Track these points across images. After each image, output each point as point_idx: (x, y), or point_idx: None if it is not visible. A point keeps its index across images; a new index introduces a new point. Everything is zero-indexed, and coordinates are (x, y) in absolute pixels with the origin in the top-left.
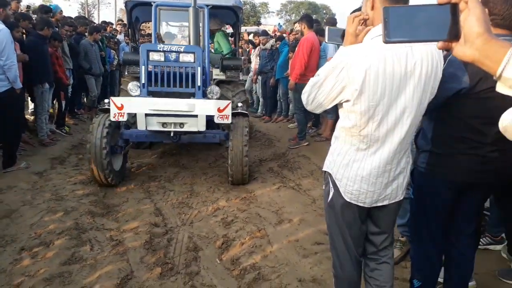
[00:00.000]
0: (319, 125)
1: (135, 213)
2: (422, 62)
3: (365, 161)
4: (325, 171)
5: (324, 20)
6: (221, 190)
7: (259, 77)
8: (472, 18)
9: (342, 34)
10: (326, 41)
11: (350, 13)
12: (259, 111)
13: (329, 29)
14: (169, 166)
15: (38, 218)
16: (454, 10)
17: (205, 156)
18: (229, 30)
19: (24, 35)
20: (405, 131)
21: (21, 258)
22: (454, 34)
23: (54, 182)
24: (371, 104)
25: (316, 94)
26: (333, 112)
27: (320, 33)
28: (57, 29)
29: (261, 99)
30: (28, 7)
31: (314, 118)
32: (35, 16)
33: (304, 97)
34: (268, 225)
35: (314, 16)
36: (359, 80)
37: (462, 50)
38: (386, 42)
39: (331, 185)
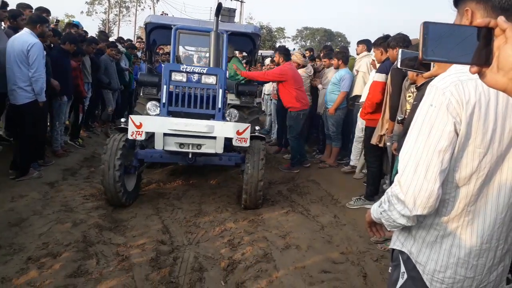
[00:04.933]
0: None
1: (143, 229)
2: None
3: (461, 235)
4: (394, 249)
5: (337, 49)
6: (229, 211)
7: (274, 102)
8: (509, 47)
9: (420, 61)
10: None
11: (374, 43)
12: (273, 136)
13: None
14: (179, 184)
15: (47, 229)
16: (489, 35)
17: (215, 175)
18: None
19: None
20: None
21: (27, 267)
22: (485, 59)
23: (65, 193)
24: (478, 152)
25: (420, 161)
26: (338, 140)
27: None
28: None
29: (276, 125)
30: (57, 21)
31: (322, 144)
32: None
33: (402, 185)
34: (275, 250)
35: (329, 43)
36: (466, 118)
37: (495, 78)
38: (422, 60)
39: (402, 269)
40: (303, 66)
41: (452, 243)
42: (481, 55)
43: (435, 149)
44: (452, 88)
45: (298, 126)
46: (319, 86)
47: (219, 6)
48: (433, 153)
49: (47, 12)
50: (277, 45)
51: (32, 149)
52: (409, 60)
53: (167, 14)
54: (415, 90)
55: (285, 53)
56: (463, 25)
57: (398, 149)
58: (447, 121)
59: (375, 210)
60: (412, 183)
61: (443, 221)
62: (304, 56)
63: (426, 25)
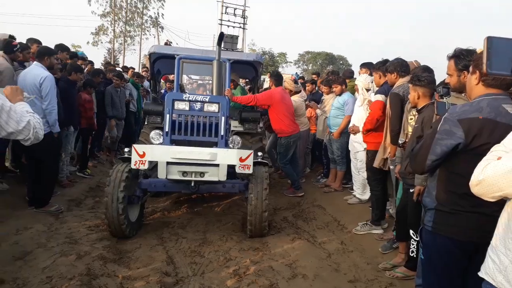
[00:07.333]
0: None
1: (147, 260)
2: None
3: None
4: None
5: (325, 75)
6: (234, 240)
7: None
8: None
9: None
10: None
11: (373, 67)
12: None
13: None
14: (183, 212)
15: (50, 262)
16: None
17: (219, 202)
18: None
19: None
20: None
21: None
22: None
23: (70, 225)
24: None
25: None
26: (343, 164)
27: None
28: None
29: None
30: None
31: (326, 168)
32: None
33: None
34: (281, 280)
35: (330, 67)
36: None
37: None
38: (488, 73)
39: None
40: (296, 92)
41: None
42: None
43: None
44: None
45: (287, 153)
46: (318, 111)
47: (221, 35)
48: None
49: (67, 50)
50: (280, 69)
51: (52, 180)
52: None
53: (171, 43)
54: (416, 113)
55: (277, 78)
56: None
57: (401, 171)
58: None
59: None
60: None
61: None
62: (295, 82)
63: (490, 40)
